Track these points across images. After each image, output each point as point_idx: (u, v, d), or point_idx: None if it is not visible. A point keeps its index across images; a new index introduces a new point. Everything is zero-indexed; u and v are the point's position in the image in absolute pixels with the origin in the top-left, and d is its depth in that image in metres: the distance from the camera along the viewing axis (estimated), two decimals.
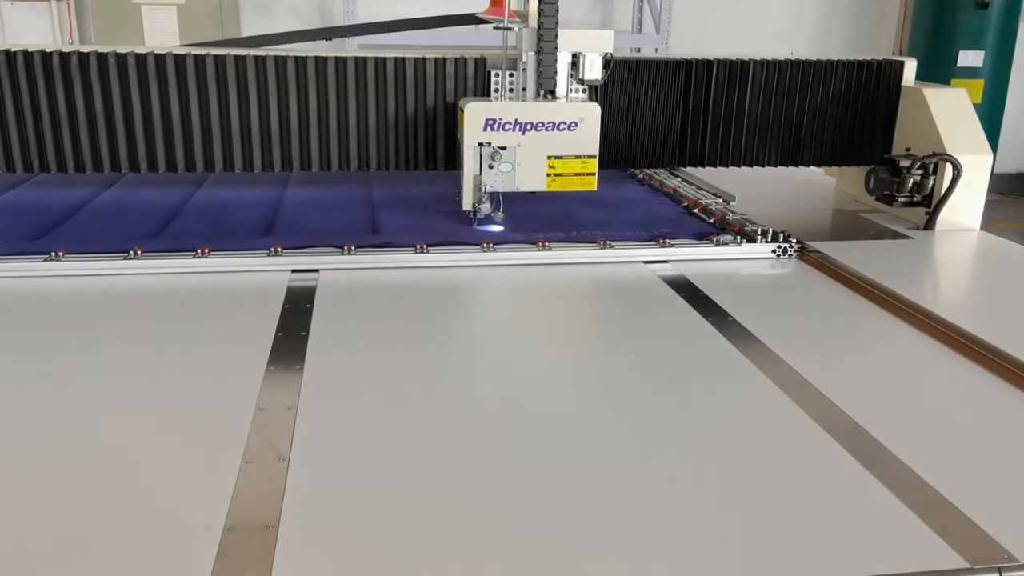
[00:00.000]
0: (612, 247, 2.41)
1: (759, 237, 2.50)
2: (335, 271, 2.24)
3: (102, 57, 2.37)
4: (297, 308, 1.99)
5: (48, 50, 2.35)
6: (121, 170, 2.46)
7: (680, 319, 2.02)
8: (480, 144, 2.37)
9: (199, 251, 2.25)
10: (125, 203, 2.76)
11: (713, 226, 2.64)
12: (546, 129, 2.39)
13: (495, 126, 2.37)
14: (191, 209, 2.72)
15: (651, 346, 1.91)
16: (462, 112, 2.39)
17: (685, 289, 2.19)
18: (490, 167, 2.38)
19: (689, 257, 2.42)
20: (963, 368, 1.78)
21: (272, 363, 1.70)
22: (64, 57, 2.35)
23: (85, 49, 2.38)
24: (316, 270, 2.23)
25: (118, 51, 2.38)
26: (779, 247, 2.49)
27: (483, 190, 2.40)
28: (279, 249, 2.28)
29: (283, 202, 2.81)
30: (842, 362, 1.84)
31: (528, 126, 2.38)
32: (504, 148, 2.37)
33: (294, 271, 2.22)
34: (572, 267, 2.36)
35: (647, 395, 1.67)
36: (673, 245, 2.45)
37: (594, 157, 2.44)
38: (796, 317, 2.10)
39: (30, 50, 2.34)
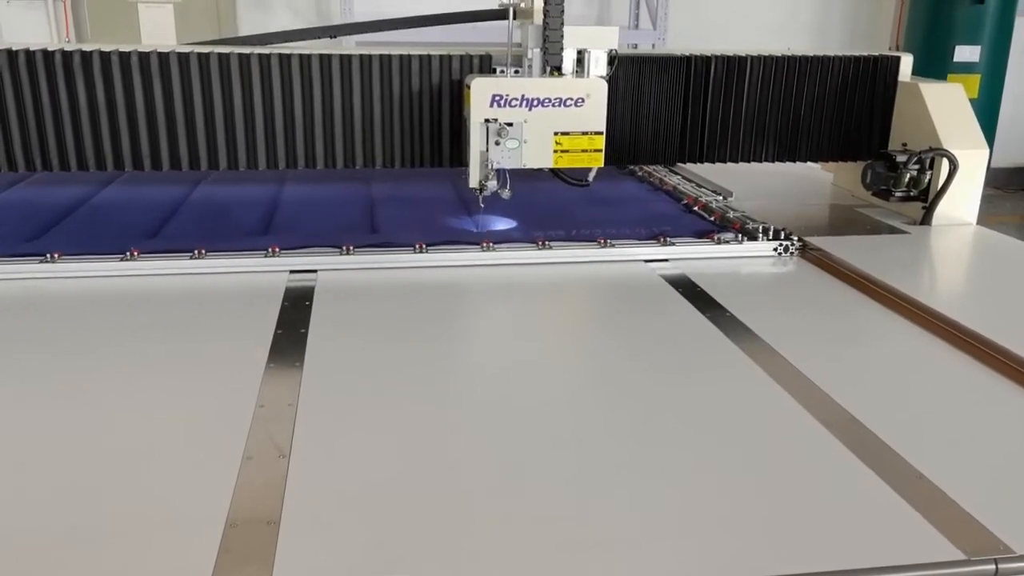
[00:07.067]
0: (612, 246, 2.39)
1: (760, 235, 2.48)
2: (334, 272, 2.22)
3: (105, 56, 2.35)
4: (297, 305, 1.99)
5: (50, 48, 2.35)
6: (124, 168, 2.44)
7: (682, 318, 2.01)
8: (487, 120, 2.34)
9: (196, 252, 2.22)
10: (122, 203, 2.73)
11: (713, 224, 2.63)
12: (553, 105, 2.36)
13: (502, 102, 2.33)
14: (188, 209, 2.70)
15: (653, 345, 1.91)
16: (468, 88, 2.36)
17: (687, 288, 2.17)
18: (496, 144, 2.35)
19: (690, 256, 2.39)
20: (960, 362, 1.79)
21: (272, 360, 1.70)
22: (66, 56, 2.35)
23: (87, 48, 2.36)
24: (314, 271, 2.21)
25: (121, 49, 2.36)
26: (780, 245, 2.47)
27: (490, 167, 2.36)
28: (277, 250, 2.25)
29: (281, 200, 2.80)
30: (840, 357, 1.84)
31: (535, 102, 2.34)
32: (511, 124, 2.34)
33: (292, 271, 2.20)
34: (573, 266, 2.35)
35: (649, 395, 1.67)
36: (674, 243, 2.42)
37: (601, 133, 2.40)
38: (797, 314, 2.10)
39: (32, 49, 2.34)
